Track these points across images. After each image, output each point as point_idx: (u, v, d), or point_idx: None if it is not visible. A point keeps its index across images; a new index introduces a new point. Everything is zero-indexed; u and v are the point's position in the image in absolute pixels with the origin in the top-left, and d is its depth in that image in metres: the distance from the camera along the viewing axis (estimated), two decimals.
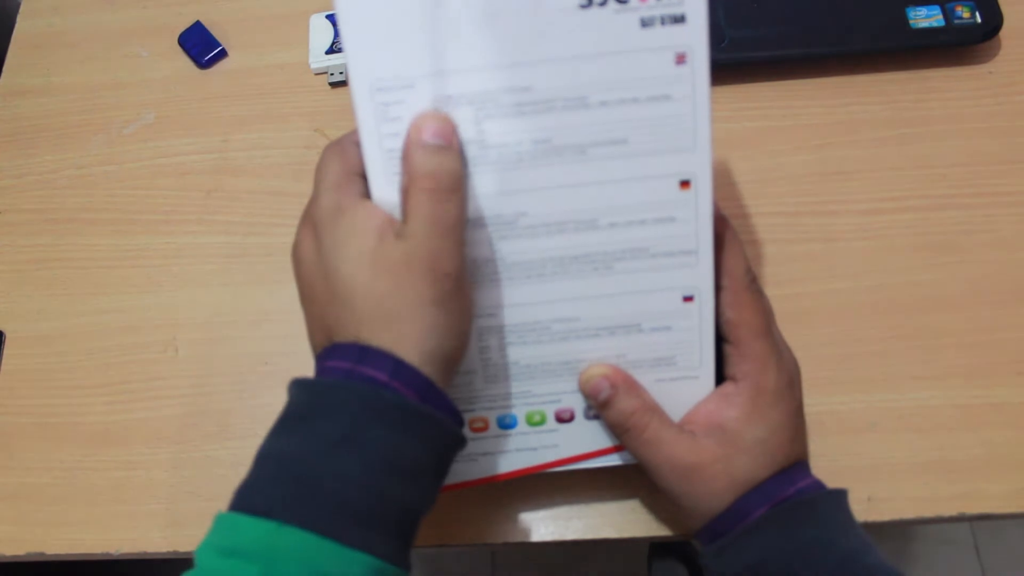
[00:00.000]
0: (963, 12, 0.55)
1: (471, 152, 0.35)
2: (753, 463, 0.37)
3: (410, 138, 0.34)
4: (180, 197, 0.57)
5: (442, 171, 0.34)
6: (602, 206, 0.36)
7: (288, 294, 0.37)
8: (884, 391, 0.47)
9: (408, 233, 0.33)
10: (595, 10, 0.33)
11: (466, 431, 0.41)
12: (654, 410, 0.39)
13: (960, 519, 0.45)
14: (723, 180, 0.54)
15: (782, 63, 0.56)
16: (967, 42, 0.55)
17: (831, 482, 0.39)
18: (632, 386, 0.39)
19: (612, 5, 0.33)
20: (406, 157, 0.34)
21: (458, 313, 0.35)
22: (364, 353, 0.33)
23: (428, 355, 0.34)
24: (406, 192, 0.34)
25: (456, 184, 0.34)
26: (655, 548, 0.59)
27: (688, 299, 0.38)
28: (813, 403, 0.45)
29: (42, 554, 0.48)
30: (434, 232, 0.33)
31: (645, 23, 0.34)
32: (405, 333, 0.33)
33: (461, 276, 0.34)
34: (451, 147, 0.34)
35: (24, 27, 0.65)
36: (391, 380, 0.33)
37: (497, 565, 1.14)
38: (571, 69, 0.34)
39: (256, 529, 0.31)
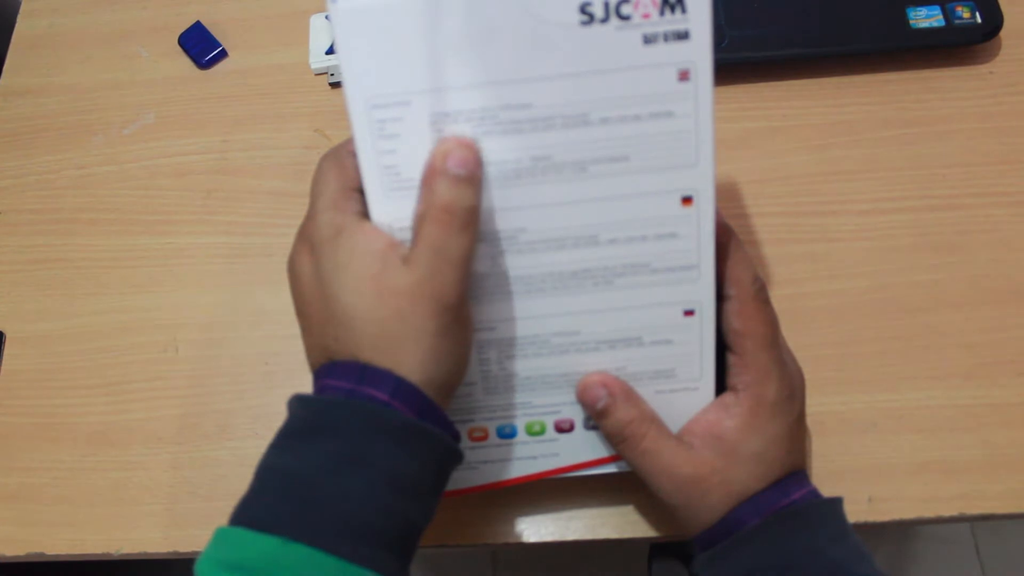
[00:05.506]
0: (963, 12, 0.55)
1: None
2: (749, 475, 0.37)
3: (434, 164, 0.34)
4: (180, 197, 0.57)
5: (460, 205, 0.33)
6: (603, 222, 0.36)
7: (288, 295, 0.37)
8: (884, 391, 0.47)
9: (415, 261, 0.33)
10: (596, 27, 0.33)
11: (465, 441, 0.41)
12: (652, 420, 0.39)
13: (960, 519, 0.45)
14: (723, 180, 0.54)
15: (782, 63, 0.56)
16: (967, 42, 0.55)
17: (831, 482, 0.39)
18: (630, 395, 0.39)
19: (614, 22, 0.33)
20: (427, 183, 0.34)
21: (458, 341, 0.35)
22: (364, 372, 0.33)
23: (427, 378, 0.34)
24: (421, 218, 0.33)
25: (472, 219, 0.33)
26: (655, 548, 0.59)
27: (689, 313, 0.38)
28: (813, 403, 0.45)
29: (42, 554, 0.48)
30: (443, 265, 0.33)
31: (648, 40, 0.33)
32: (405, 358, 0.33)
33: (463, 306, 0.34)
34: (473, 179, 0.34)
35: (24, 27, 0.65)
36: (392, 399, 0.33)
37: (497, 565, 1.14)
38: (571, 86, 0.34)
39: (261, 545, 0.31)
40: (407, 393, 0.33)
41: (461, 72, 0.34)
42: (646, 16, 0.33)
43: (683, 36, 0.33)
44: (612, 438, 0.39)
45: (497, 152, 0.35)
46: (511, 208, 0.36)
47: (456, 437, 0.36)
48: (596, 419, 0.40)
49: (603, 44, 0.33)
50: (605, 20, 0.33)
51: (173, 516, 0.48)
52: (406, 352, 0.33)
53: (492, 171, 0.35)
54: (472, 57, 0.33)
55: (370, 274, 0.33)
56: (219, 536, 0.32)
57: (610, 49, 0.33)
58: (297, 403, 0.35)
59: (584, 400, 0.40)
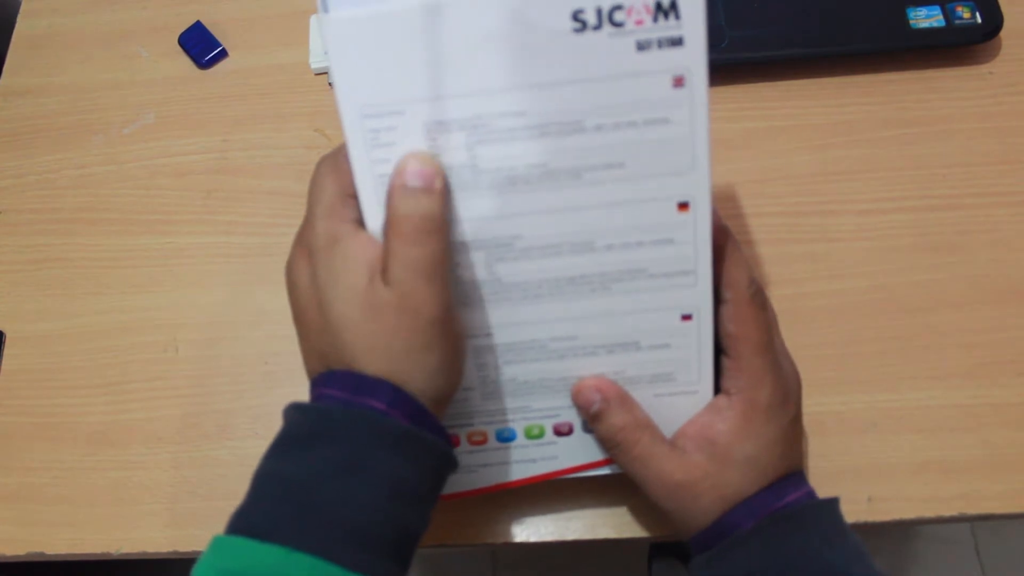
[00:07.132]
0: (963, 12, 0.55)
1: (464, 176, 0.35)
2: (742, 480, 0.37)
3: (392, 180, 0.34)
4: (180, 197, 0.57)
5: (418, 214, 0.33)
6: (599, 229, 0.36)
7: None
8: (884, 391, 0.47)
9: (390, 278, 0.33)
10: (590, 34, 0.33)
11: (465, 445, 0.41)
12: (646, 426, 0.39)
13: (960, 519, 0.45)
14: (723, 180, 0.54)
15: (782, 63, 0.56)
16: (967, 42, 0.55)
17: (831, 483, 0.39)
18: (624, 400, 0.39)
19: (607, 29, 0.33)
20: (387, 199, 0.34)
21: (447, 354, 0.34)
22: (361, 382, 0.33)
23: (420, 391, 0.34)
24: (386, 235, 0.33)
25: (434, 226, 0.33)
26: (655, 548, 0.59)
27: (687, 317, 0.38)
28: (813, 403, 0.45)
29: (42, 554, 0.48)
30: (414, 277, 0.33)
31: (641, 46, 0.33)
32: (398, 369, 0.33)
33: (447, 318, 0.34)
34: (431, 189, 0.33)
35: (24, 27, 0.65)
36: (389, 408, 0.33)
37: (497, 565, 1.14)
38: (566, 93, 0.33)
39: (266, 554, 0.30)
40: (404, 402, 0.33)
41: (455, 80, 0.33)
42: (639, 23, 0.33)
43: (677, 42, 0.33)
44: (605, 443, 0.40)
45: (492, 160, 0.34)
46: (506, 215, 0.36)
47: (451, 443, 0.36)
48: (590, 423, 0.40)
49: (597, 51, 0.33)
50: (598, 27, 0.33)
51: (173, 516, 0.48)
52: (398, 364, 0.33)
53: (487, 179, 0.35)
54: (465, 65, 0.33)
55: (359, 288, 0.33)
56: (218, 544, 0.32)
57: (604, 56, 0.33)
58: (294, 411, 0.35)
59: (578, 403, 0.40)
